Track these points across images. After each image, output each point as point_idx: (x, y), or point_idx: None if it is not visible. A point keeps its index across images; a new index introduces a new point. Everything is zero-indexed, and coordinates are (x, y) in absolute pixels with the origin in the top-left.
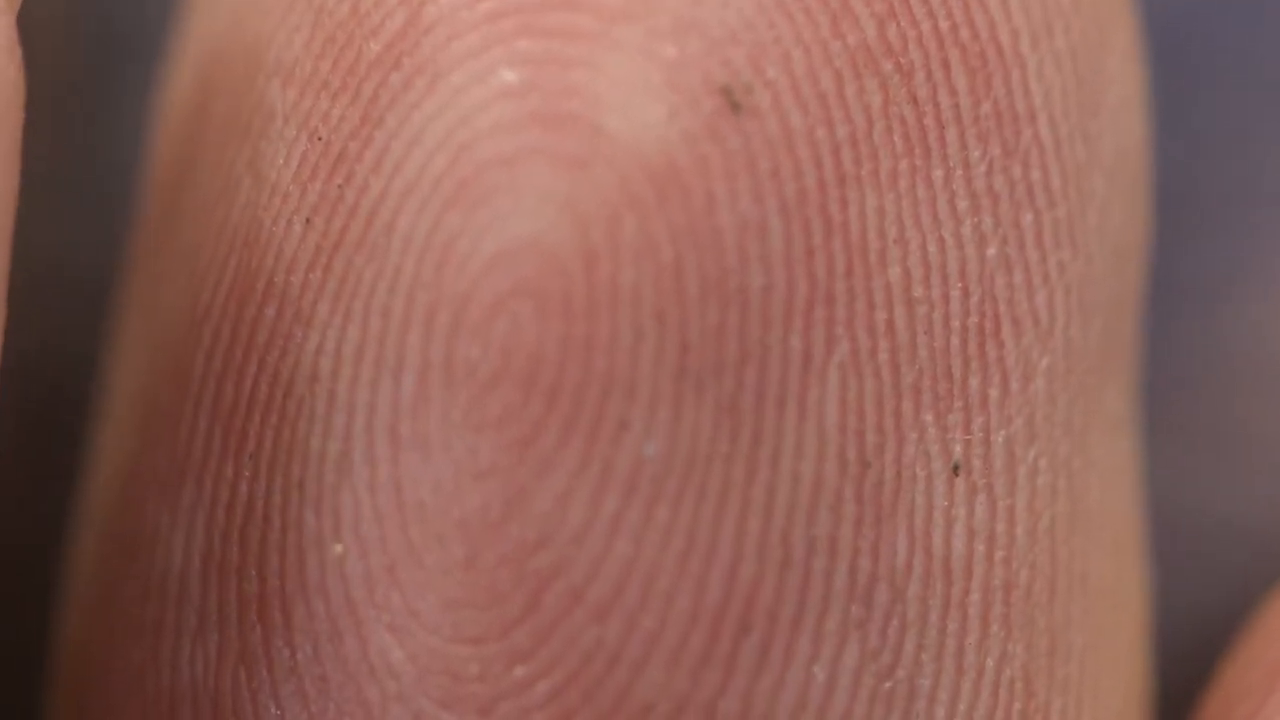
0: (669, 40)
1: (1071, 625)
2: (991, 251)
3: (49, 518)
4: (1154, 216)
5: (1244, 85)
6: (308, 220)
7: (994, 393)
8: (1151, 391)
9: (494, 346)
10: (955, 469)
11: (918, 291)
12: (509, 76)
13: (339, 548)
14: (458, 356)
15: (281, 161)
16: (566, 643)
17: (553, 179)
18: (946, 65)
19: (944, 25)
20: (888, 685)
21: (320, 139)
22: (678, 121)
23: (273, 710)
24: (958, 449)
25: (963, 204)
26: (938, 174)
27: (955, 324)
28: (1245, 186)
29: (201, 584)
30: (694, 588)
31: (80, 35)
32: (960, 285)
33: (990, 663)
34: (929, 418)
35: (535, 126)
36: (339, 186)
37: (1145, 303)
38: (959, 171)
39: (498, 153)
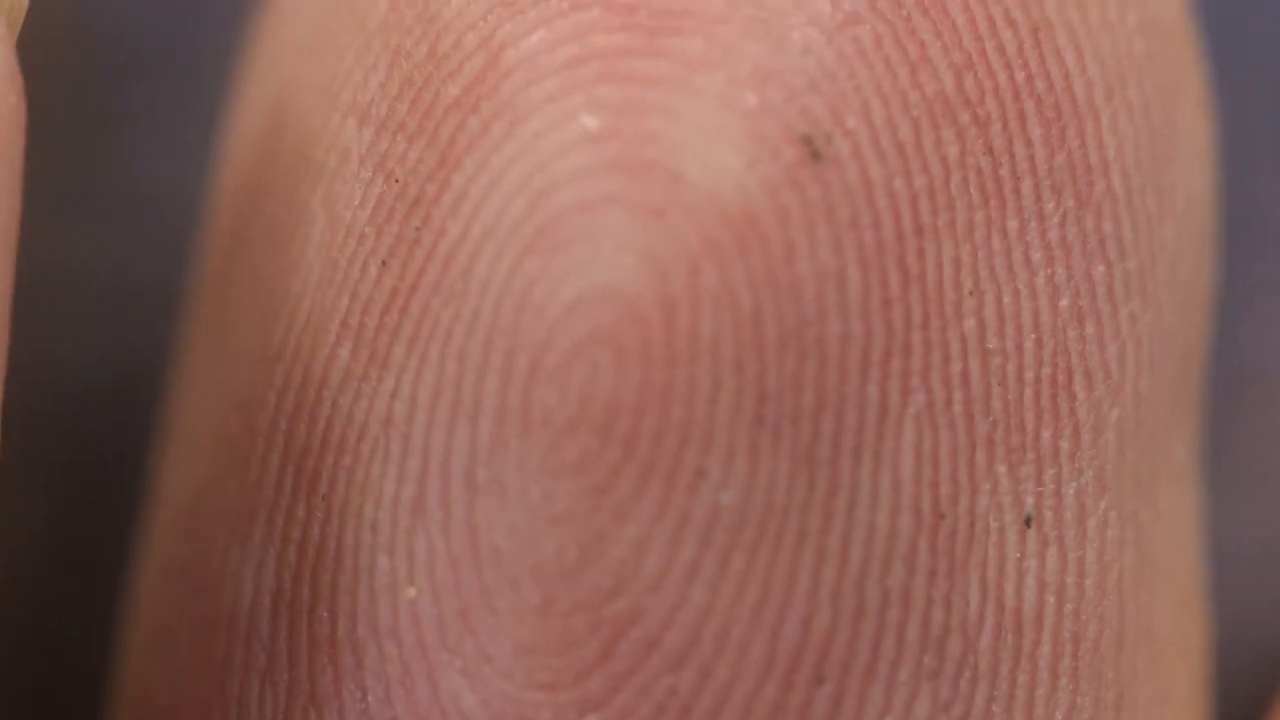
0: (749, 89)
1: (1138, 677)
2: (1064, 303)
3: (100, 544)
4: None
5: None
6: (383, 262)
7: (1065, 445)
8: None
9: (571, 393)
10: (1027, 521)
11: (992, 343)
12: (589, 123)
13: (412, 591)
14: (535, 402)
15: (357, 202)
16: (640, 691)
17: (632, 227)
18: (1022, 116)
19: (1020, 76)
20: None
21: (397, 181)
22: (757, 170)
23: None
24: (1030, 501)
25: (1037, 255)
26: (1013, 225)
27: (1029, 376)
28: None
29: (271, 622)
30: (768, 637)
31: (91, 50)
32: (1034, 337)
33: (1059, 715)
34: (1002, 469)
35: (615, 173)
36: (416, 229)
37: None
38: (1033, 223)
39: (577, 199)
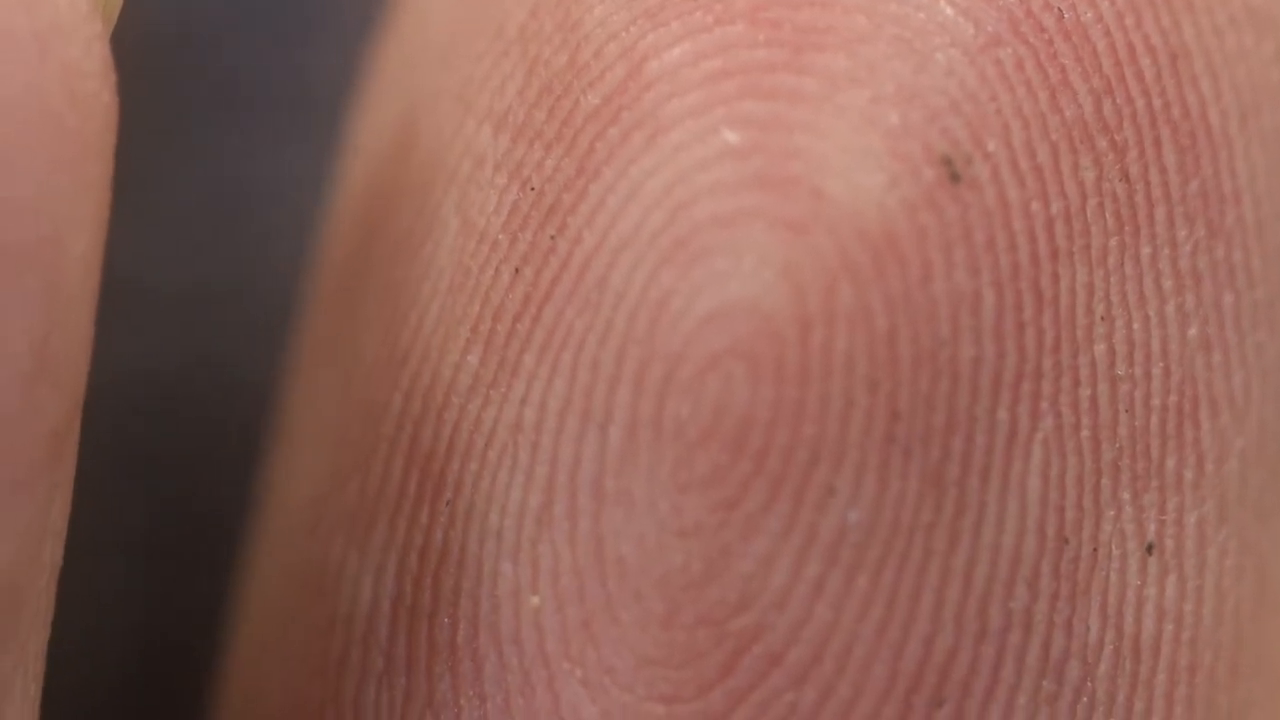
0: (892, 107)
1: (1253, 706)
2: (1193, 331)
3: (207, 546)
4: None
5: None
6: (517, 270)
7: (1189, 474)
8: None
9: (704, 406)
10: (1149, 549)
11: (1121, 369)
12: (731, 137)
13: (535, 599)
14: (667, 414)
15: (492, 209)
16: (761, 707)
17: (771, 242)
18: (1158, 143)
19: (1157, 103)
20: None
21: (533, 189)
22: (898, 190)
23: None
24: (1152, 528)
25: (1168, 283)
26: (1145, 251)
27: (1155, 403)
28: None
29: (390, 626)
30: (891, 657)
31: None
32: (1162, 364)
33: None
34: (1126, 496)
35: (756, 188)
36: (551, 237)
37: None
38: (1165, 250)
39: (716, 212)
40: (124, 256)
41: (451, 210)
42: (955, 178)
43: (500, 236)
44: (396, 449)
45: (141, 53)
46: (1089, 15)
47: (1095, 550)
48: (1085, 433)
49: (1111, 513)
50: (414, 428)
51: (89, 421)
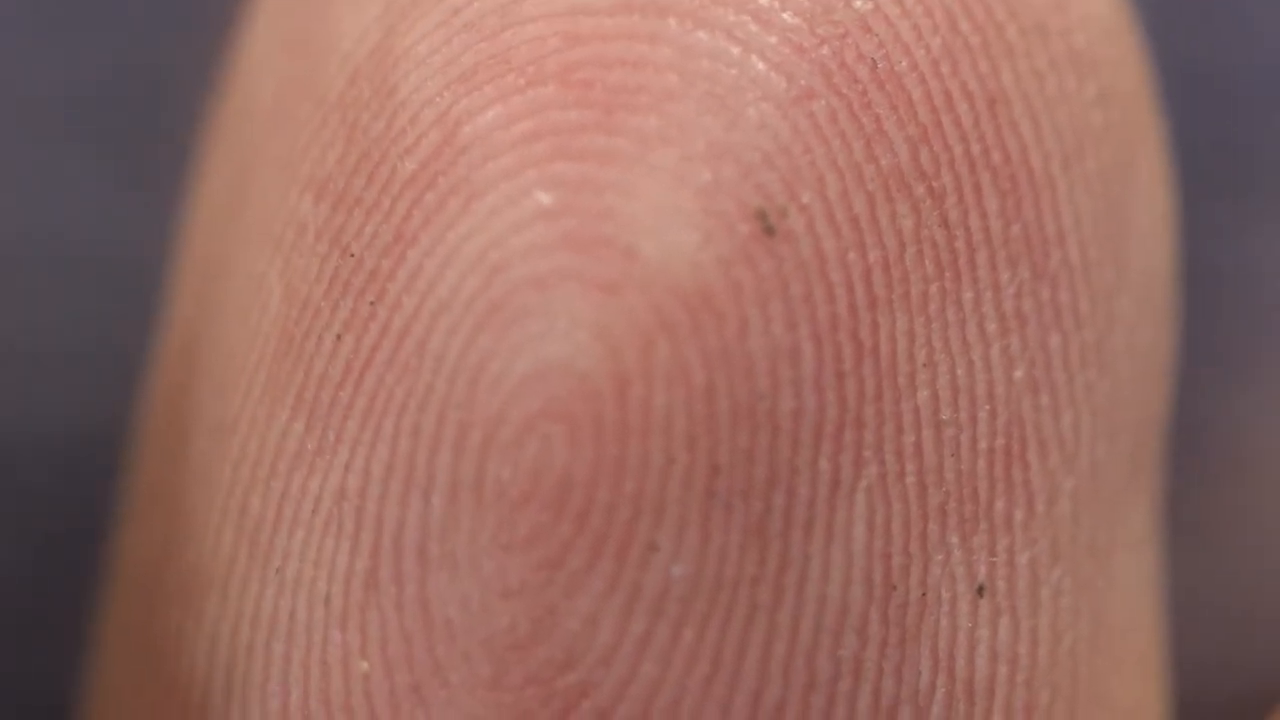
0: (704, 165)
1: None
2: (1019, 374)
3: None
4: None
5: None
6: (339, 337)
7: (1019, 514)
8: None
9: (524, 467)
10: (980, 591)
11: (946, 414)
12: (543, 199)
13: (365, 665)
14: (488, 477)
15: (314, 276)
16: None
17: (585, 302)
18: (978, 189)
19: (976, 149)
20: None
21: (353, 255)
22: (711, 247)
23: None
24: (982, 571)
25: (992, 327)
26: (968, 297)
27: (982, 446)
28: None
29: (225, 697)
30: (718, 711)
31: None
32: (988, 408)
33: None
34: (955, 540)
35: (569, 249)
36: (371, 304)
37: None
38: (989, 294)
39: (531, 274)
40: None
41: (276, 277)
42: (770, 231)
43: (322, 304)
44: (227, 518)
45: None
46: (903, 64)
47: (924, 595)
48: (911, 479)
49: (940, 556)
50: (243, 496)
51: None
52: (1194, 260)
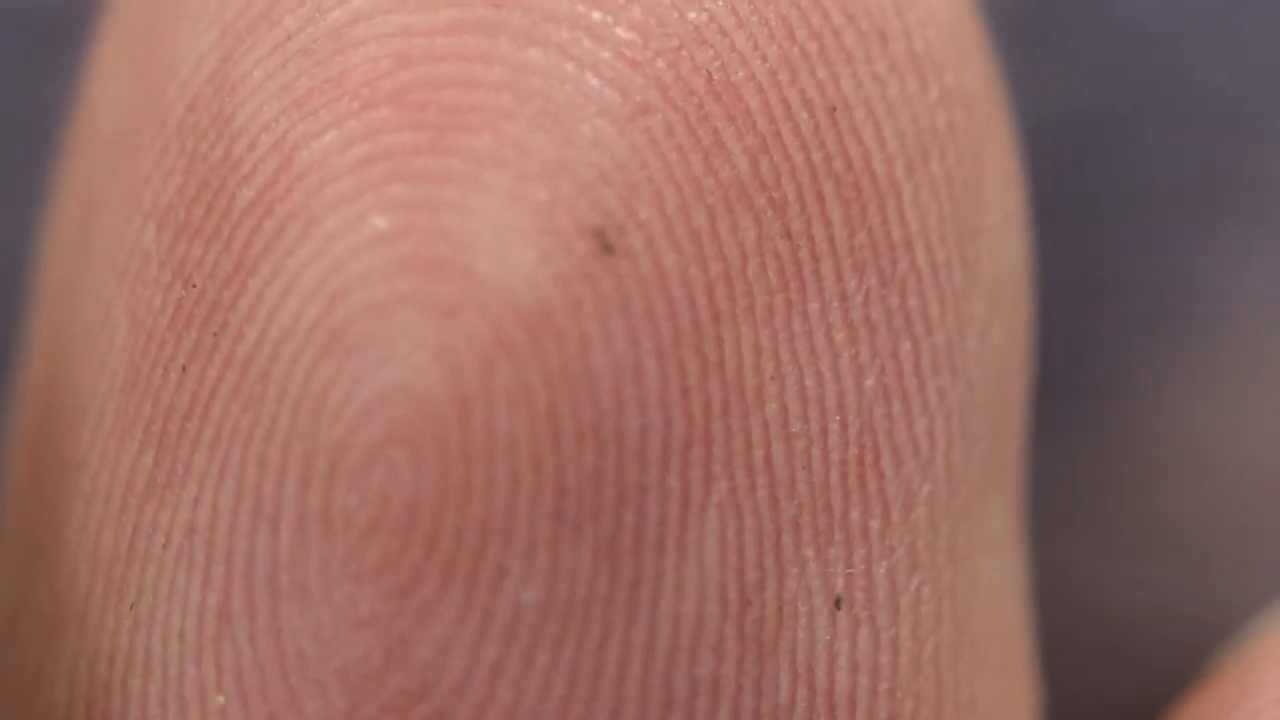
0: (539, 184)
1: None
2: (870, 382)
3: None
4: (1069, 315)
5: (1155, 183)
6: (184, 368)
7: (875, 524)
8: (1061, 489)
9: (371, 495)
10: (837, 603)
11: (796, 426)
12: (380, 223)
13: (221, 699)
14: (335, 505)
15: (158, 307)
16: None
17: (425, 326)
18: (821, 197)
19: (817, 157)
20: None
21: (195, 286)
22: (550, 265)
23: None
24: (839, 582)
25: (840, 336)
26: (814, 307)
27: (834, 457)
28: (1162, 285)
29: None
30: None
31: None
32: (839, 418)
33: None
34: (810, 552)
35: (407, 273)
36: (214, 335)
37: (1054, 402)
38: (835, 303)
39: (370, 300)
40: None
41: (122, 309)
42: (609, 249)
43: (166, 335)
44: (80, 555)
45: None
46: (740, 74)
47: (781, 609)
48: (762, 493)
49: (795, 570)
50: (96, 531)
51: None
52: (1200, 282)
